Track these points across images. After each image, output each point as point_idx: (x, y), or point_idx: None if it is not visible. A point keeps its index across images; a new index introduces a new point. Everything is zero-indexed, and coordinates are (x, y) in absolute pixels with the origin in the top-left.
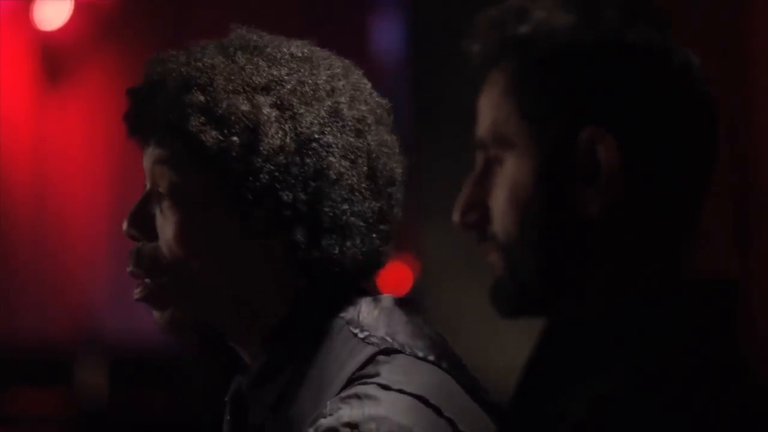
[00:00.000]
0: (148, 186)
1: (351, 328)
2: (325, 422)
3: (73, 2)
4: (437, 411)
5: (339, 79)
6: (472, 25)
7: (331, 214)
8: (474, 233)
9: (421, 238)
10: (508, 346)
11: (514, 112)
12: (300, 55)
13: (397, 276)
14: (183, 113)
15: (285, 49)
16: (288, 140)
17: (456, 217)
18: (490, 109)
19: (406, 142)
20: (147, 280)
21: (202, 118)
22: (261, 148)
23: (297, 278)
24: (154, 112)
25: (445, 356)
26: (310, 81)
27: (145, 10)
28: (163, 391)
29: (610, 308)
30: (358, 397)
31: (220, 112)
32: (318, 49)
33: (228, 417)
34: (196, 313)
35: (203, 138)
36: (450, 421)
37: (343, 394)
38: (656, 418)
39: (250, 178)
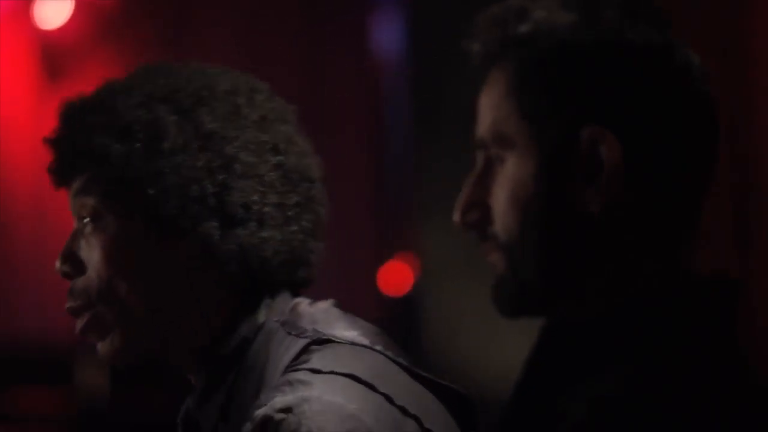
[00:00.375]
0: (76, 224)
1: (285, 329)
2: (260, 412)
3: (73, 1)
4: (371, 387)
5: (237, 82)
6: (472, 24)
7: (242, 204)
8: (475, 233)
9: (422, 237)
10: (508, 346)
11: (515, 111)
12: (198, 68)
13: (397, 276)
14: (88, 136)
15: (185, 67)
16: (189, 139)
17: (456, 216)
18: (490, 109)
19: (406, 141)
20: (84, 314)
21: (105, 135)
22: (163, 150)
23: (221, 283)
24: (66, 150)
25: (380, 341)
26: (207, 85)
27: (145, 10)
28: (163, 391)
29: (610, 308)
30: (290, 383)
31: (121, 125)
32: (215, 65)
33: None
34: (134, 339)
35: (108, 152)
36: (386, 396)
37: (276, 383)
38: (656, 418)
39: (156, 179)
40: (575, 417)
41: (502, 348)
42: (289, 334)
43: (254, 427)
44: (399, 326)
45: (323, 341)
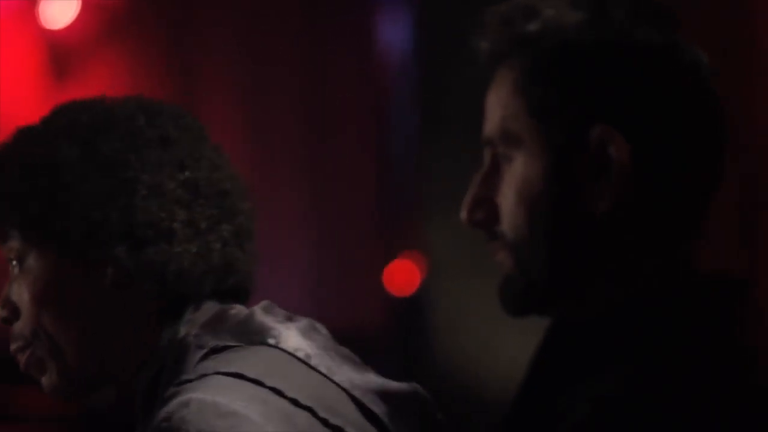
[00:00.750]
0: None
1: (193, 342)
2: (150, 427)
3: (79, 1)
4: (258, 383)
5: (138, 107)
6: (478, 23)
7: (147, 224)
8: (482, 231)
9: (428, 236)
10: (514, 345)
11: (523, 109)
12: (102, 100)
13: (404, 274)
14: (2, 182)
15: (92, 101)
16: (89, 168)
17: (464, 214)
18: (498, 107)
19: (411, 140)
20: (25, 351)
21: (13, 179)
22: (65, 183)
23: (141, 303)
24: None
25: (294, 336)
26: (105, 114)
27: (151, 10)
28: None
29: (613, 307)
30: (177, 393)
31: (25, 166)
32: (124, 96)
33: None
34: (71, 370)
35: (16, 193)
36: (275, 390)
37: (166, 395)
38: (656, 418)
39: (60, 211)
40: (576, 417)
41: (507, 347)
42: (197, 347)
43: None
44: (405, 325)
45: (221, 348)
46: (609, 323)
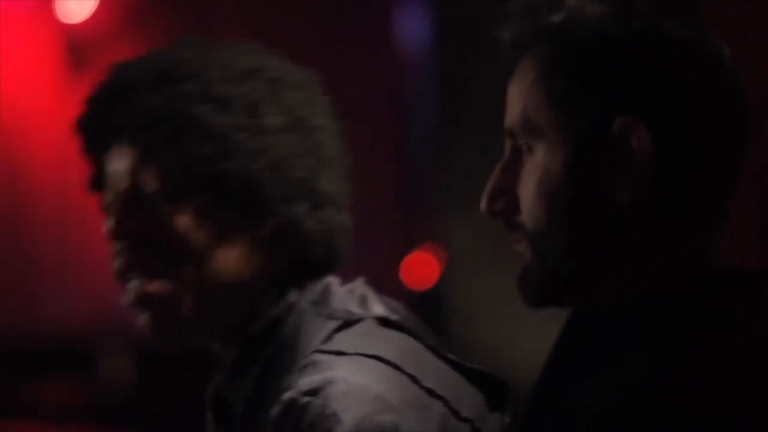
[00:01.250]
0: (127, 187)
1: (317, 309)
2: (286, 396)
3: None
4: (397, 368)
5: (298, 69)
6: (502, 13)
7: (326, 189)
8: (502, 222)
9: (447, 229)
10: (534, 337)
11: (545, 100)
12: (261, 48)
13: (423, 267)
14: (181, 104)
15: (244, 45)
16: (286, 120)
17: (484, 204)
18: (520, 97)
19: (430, 132)
20: (135, 284)
21: (204, 104)
22: (267, 126)
23: (278, 263)
24: (135, 113)
25: (410, 320)
26: (284, 68)
27: (169, 3)
28: (187, 381)
29: (634, 298)
30: (314, 364)
31: (219, 96)
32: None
33: (209, 415)
34: (190, 312)
35: (210, 121)
36: (412, 377)
37: (301, 364)
38: (678, 408)
39: (260, 156)
40: (597, 407)
41: (527, 339)
42: (319, 315)
43: (280, 410)
44: (424, 317)
45: (352, 323)
46: (629, 315)
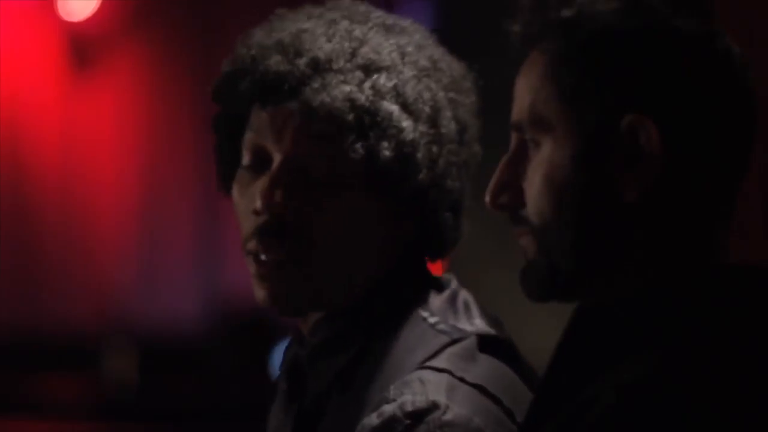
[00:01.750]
0: (281, 156)
1: (421, 312)
2: (388, 409)
3: None
4: (497, 401)
5: (461, 66)
6: (511, 6)
7: (465, 198)
8: (507, 215)
9: None
10: (536, 334)
11: (554, 94)
12: (419, 27)
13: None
14: (375, 98)
15: (405, 24)
16: (454, 129)
17: (489, 198)
18: (528, 91)
19: None
20: (270, 256)
21: (395, 104)
22: (441, 137)
23: (403, 263)
24: (323, 97)
25: (507, 336)
26: (452, 66)
27: (171, 1)
28: (191, 377)
29: (640, 294)
30: (421, 382)
31: (409, 99)
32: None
33: (285, 387)
34: (309, 289)
35: (399, 126)
36: (508, 413)
37: (408, 378)
38: (685, 405)
39: (430, 167)
40: (604, 404)
41: (529, 337)
42: (425, 320)
43: (379, 424)
44: None
45: (459, 340)
46: (635, 311)
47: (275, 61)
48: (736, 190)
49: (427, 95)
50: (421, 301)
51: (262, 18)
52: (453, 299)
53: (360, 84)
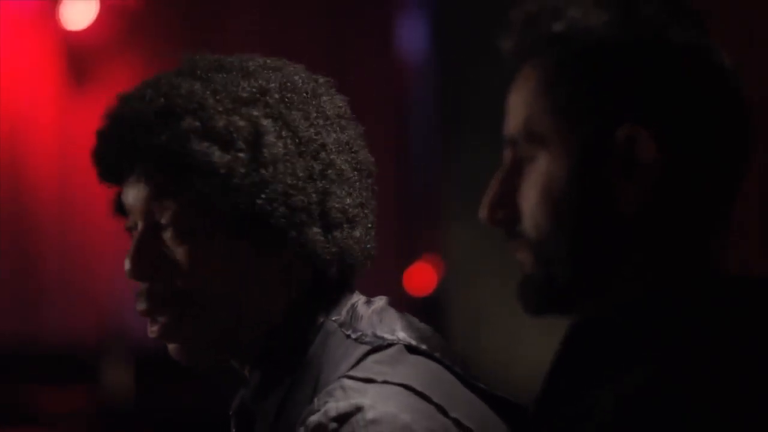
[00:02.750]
0: (142, 224)
1: (343, 330)
2: (313, 419)
3: (99, 3)
4: (425, 398)
5: (312, 80)
6: (503, 21)
7: (339, 209)
8: (502, 230)
9: (446, 237)
10: (534, 345)
11: (548, 108)
12: (269, 63)
13: (422, 276)
14: (182, 140)
15: (251, 62)
16: (289, 146)
17: (484, 213)
18: (522, 106)
19: (431, 142)
20: (159, 318)
21: (204, 141)
22: (266, 159)
23: (298, 286)
24: (140, 148)
25: (438, 347)
26: (290, 86)
27: (171, 11)
28: (189, 388)
29: (637, 305)
30: (343, 389)
31: (219, 131)
32: (273, 58)
33: (234, 428)
34: (211, 339)
35: (210, 159)
36: (439, 408)
37: (329, 387)
38: (685, 410)
39: (263, 189)
40: (603, 414)
41: (527, 347)
42: (348, 337)
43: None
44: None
45: (381, 348)
46: (632, 321)
47: (108, 146)
48: (733, 196)
49: (242, 124)
50: (343, 322)
51: (259, 28)
52: (379, 314)
53: (168, 132)
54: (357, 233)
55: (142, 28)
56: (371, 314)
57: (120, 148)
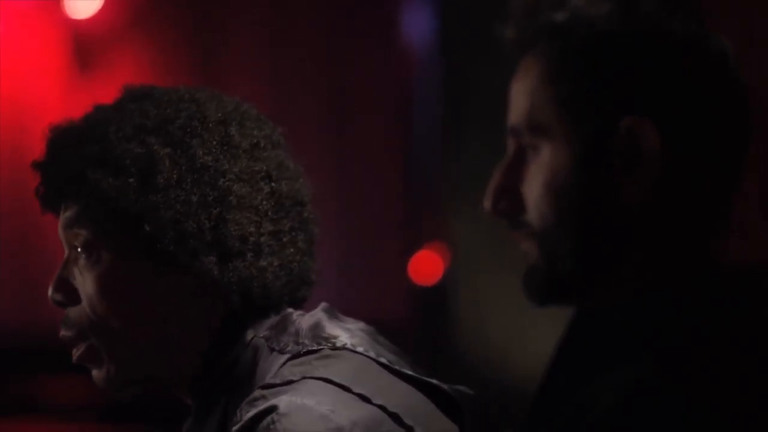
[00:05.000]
0: (66, 252)
1: (269, 344)
2: (236, 429)
3: None
4: (345, 388)
5: (227, 110)
6: (505, 11)
7: (238, 237)
8: (506, 221)
9: (452, 226)
10: (539, 334)
11: (551, 99)
12: (187, 96)
13: (427, 264)
14: (81, 167)
15: (173, 93)
16: (183, 173)
17: (487, 204)
18: (524, 96)
19: (435, 130)
20: (79, 344)
21: (99, 168)
22: (158, 185)
23: (216, 310)
24: (57, 176)
25: (365, 341)
26: (198, 115)
27: (176, 1)
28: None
29: (640, 295)
30: (264, 396)
31: (114, 158)
32: (208, 89)
33: None
34: (128, 369)
35: (102, 186)
36: (362, 396)
37: (250, 398)
38: (685, 405)
39: (152, 215)
40: (604, 405)
41: (533, 336)
42: (273, 350)
43: None
44: (430, 316)
45: (302, 354)
46: (633, 312)
47: (41, 176)
48: (735, 189)
49: (138, 151)
50: (269, 336)
51: (262, 17)
52: (303, 322)
53: (73, 160)
54: (264, 262)
55: (147, 17)
56: (299, 324)
57: (45, 177)
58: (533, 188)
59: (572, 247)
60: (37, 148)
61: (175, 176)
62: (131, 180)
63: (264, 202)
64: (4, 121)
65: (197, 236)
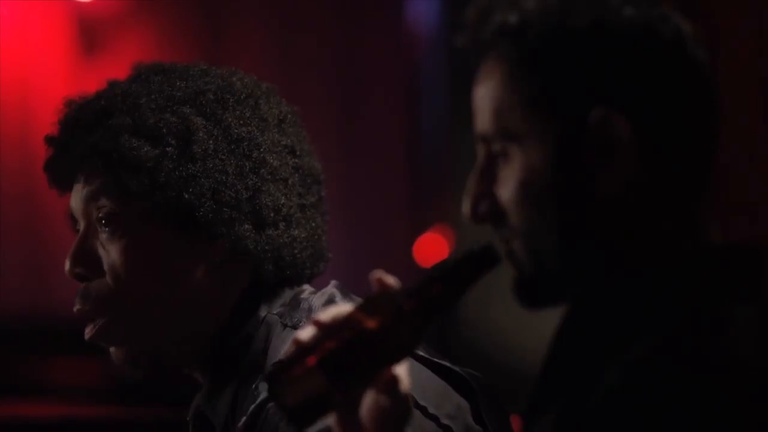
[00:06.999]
0: (83, 224)
1: (282, 321)
2: (252, 407)
3: None
4: None
5: (252, 84)
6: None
7: (273, 206)
8: (489, 225)
9: (457, 208)
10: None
11: (518, 101)
12: (210, 70)
13: (432, 247)
14: (113, 138)
15: (194, 68)
16: (220, 143)
17: (467, 212)
18: (490, 101)
19: (441, 113)
20: (97, 318)
21: (134, 137)
22: (195, 155)
23: (237, 282)
24: (78, 150)
25: None
26: (227, 87)
27: None
28: None
29: (632, 279)
30: None
31: (149, 128)
32: (224, 66)
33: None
34: (151, 345)
35: (138, 154)
36: None
37: (265, 374)
38: (689, 381)
39: (191, 183)
40: (608, 385)
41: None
42: (286, 326)
43: (246, 421)
44: None
45: None
46: (628, 296)
47: (54, 151)
48: (711, 163)
49: (173, 120)
50: (282, 313)
51: (270, 4)
52: (321, 299)
53: (99, 130)
54: (295, 233)
55: (151, 0)
56: (312, 300)
57: (63, 152)
58: (509, 192)
59: (557, 243)
60: (44, 129)
61: (212, 146)
62: (169, 149)
63: (293, 175)
64: (10, 102)
65: (234, 205)
